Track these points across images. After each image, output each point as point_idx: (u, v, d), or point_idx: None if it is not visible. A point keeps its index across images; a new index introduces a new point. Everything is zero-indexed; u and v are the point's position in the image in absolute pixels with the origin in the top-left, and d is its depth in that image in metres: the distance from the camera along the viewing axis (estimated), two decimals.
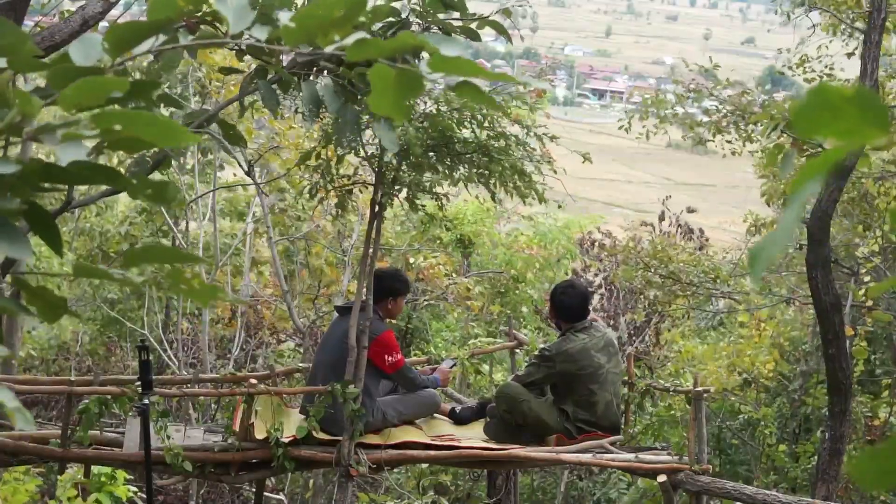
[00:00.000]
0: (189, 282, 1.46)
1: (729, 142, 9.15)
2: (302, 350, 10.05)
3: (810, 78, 10.28)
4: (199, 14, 2.08)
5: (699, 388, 5.95)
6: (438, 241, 11.34)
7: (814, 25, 9.71)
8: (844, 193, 7.88)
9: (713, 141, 9.06)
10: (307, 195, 6.23)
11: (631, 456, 6.04)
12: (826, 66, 10.16)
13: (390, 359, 6.16)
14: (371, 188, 5.87)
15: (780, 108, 7.00)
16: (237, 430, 5.88)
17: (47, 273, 1.64)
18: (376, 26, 3.26)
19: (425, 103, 5.69)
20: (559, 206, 6.87)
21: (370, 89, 1.31)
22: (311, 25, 1.35)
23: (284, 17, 1.34)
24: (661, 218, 12.39)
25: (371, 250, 5.77)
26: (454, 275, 11.05)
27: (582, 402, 6.25)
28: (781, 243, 0.94)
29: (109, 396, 5.78)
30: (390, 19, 3.90)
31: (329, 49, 1.36)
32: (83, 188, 7.06)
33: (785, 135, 6.78)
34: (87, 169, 1.31)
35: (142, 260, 1.46)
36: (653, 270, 9.93)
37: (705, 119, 8.87)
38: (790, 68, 10.09)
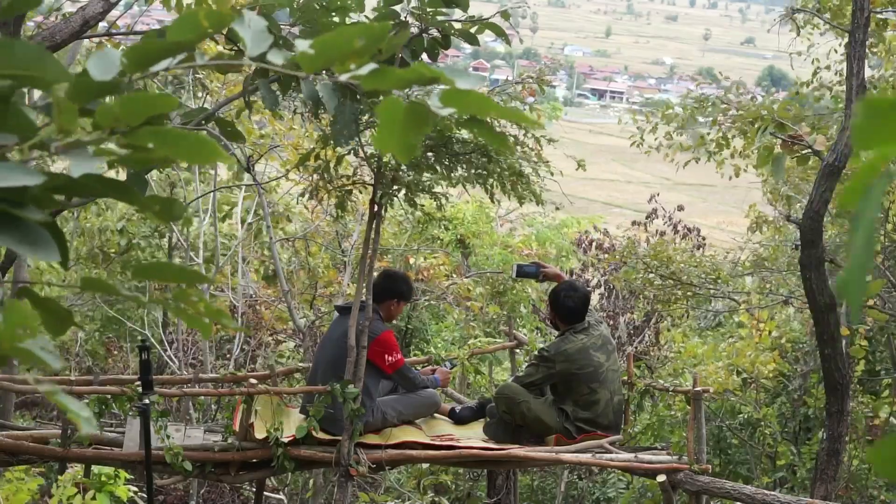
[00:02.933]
0: (195, 305, 1.45)
1: (738, 153, 9.12)
2: (302, 350, 10.05)
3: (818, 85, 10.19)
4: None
5: (698, 388, 5.96)
6: (437, 242, 11.34)
7: (825, 30, 9.66)
8: None
9: (718, 153, 9.01)
10: (306, 195, 6.22)
11: (630, 456, 6.05)
12: (836, 73, 10.07)
13: (390, 359, 6.17)
14: (370, 188, 5.87)
15: (770, 109, 6.97)
16: (237, 429, 5.88)
17: (53, 283, 1.64)
18: None
19: None
20: (556, 209, 6.86)
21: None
22: (330, 54, 1.32)
23: (302, 43, 1.33)
24: (650, 216, 12.18)
25: (370, 251, 5.77)
26: (454, 275, 11.06)
27: (582, 402, 6.27)
28: (864, 268, 0.93)
29: (109, 396, 5.79)
30: (389, 21, 3.90)
31: (344, 77, 1.33)
32: None
33: (773, 136, 6.75)
34: (98, 182, 1.32)
35: (148, 276, 1.46)
36: (654, 272, 9.91)
37: (712, 129, 8.78)
38: (805, 84, 9.92)
